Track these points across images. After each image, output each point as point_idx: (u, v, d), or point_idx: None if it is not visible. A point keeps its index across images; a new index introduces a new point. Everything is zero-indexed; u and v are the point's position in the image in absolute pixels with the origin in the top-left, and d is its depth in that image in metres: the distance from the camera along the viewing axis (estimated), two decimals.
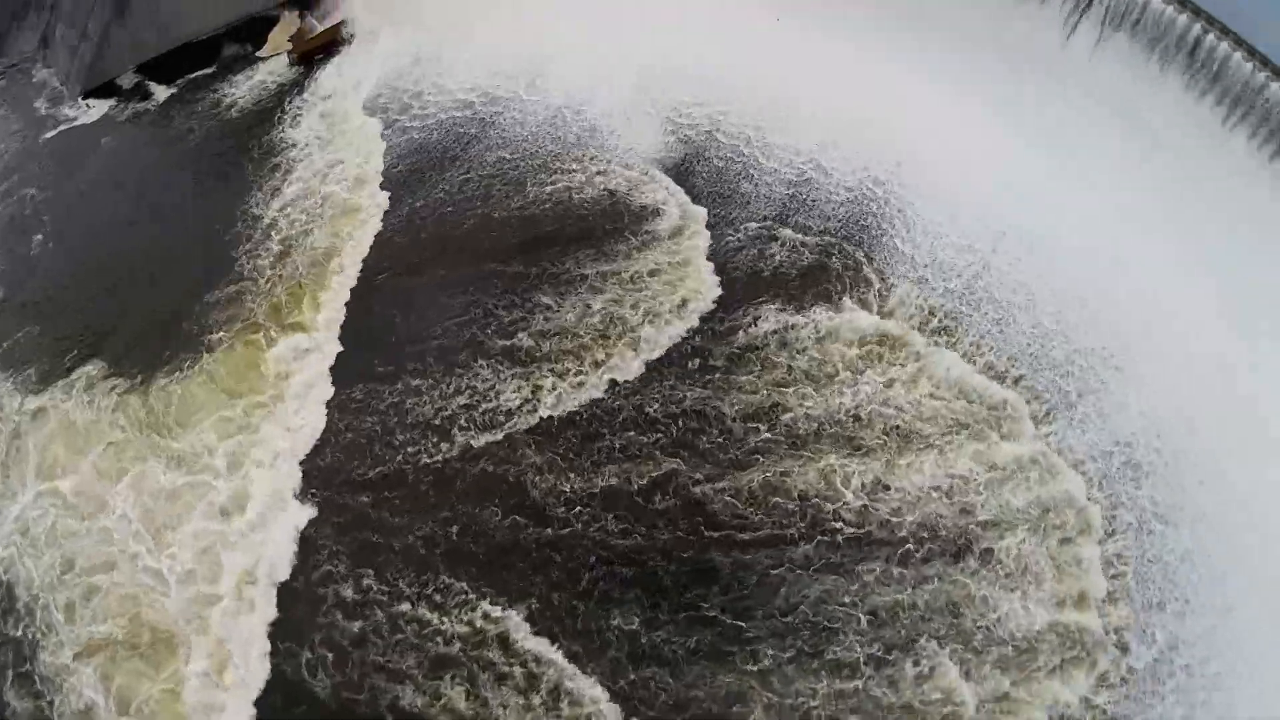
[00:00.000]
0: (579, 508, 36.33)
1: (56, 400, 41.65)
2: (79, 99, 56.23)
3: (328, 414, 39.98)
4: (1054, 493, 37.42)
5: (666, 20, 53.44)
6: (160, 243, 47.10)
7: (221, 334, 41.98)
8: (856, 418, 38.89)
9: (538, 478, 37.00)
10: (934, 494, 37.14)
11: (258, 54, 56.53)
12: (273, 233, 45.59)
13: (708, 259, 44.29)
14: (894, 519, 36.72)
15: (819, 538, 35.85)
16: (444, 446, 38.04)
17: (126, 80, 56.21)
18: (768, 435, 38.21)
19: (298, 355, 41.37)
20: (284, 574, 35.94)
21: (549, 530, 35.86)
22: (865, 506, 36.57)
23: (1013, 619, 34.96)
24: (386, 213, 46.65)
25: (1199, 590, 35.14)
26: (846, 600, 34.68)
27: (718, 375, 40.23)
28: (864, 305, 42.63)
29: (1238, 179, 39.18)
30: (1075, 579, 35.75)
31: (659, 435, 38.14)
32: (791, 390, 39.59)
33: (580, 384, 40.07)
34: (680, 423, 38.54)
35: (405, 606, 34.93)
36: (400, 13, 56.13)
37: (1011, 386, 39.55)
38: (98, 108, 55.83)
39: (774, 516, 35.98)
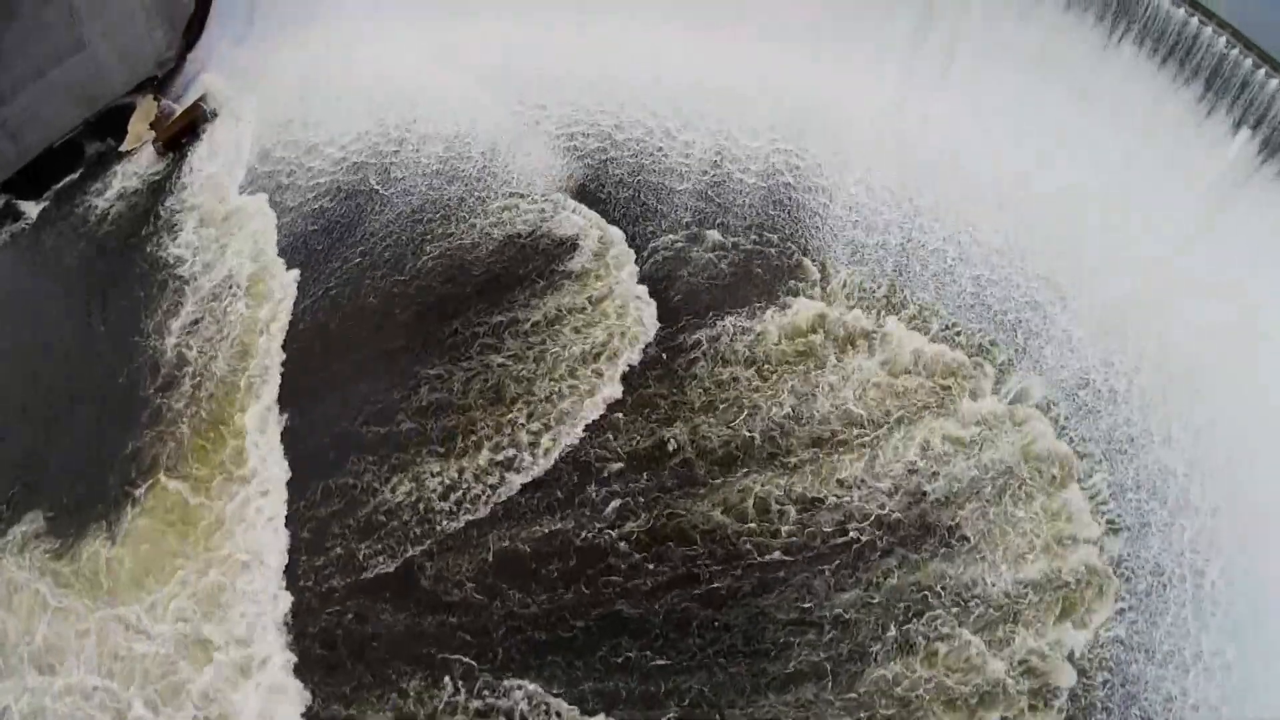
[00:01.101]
0: (473, 585, 40.57)
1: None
2: None
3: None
4: (1011, 451, 42.36)
5: (529, 34, 57.13)
6: (65, 383, 50.76)
7: (146, 485, 45.38)
8: (773, 435, 43.29)
9: (427, 563, 41.33)
10: (879, 491, 41.87)
11: (121, 148, 60.32)
12: (178, 369, 49.00)
13: (639, 282, 48.35)
14: (833, 528, 41.04)
15: (734, 568, 40.14)
16: (319, 560, 42.53)
17: None
18: (648, 478, 42.77)
19: (227, 498, 44.52)
20: None
21: (450, 616, 40.17)
22: (798, 524, 41.00)
23: (994, 582, 39.71)
24: (295, 303, 50.26)
25: (1182, 500, 39.91)
26: (789, 617, 39.13)
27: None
28: (805, 296, 47.17)
29: (1128, 91, 42.93)
30: (1058, 525, 40.59)
31: (539, 494, 42.59)
32: (701, 416, 44.10)
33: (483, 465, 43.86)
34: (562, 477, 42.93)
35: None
36: (256, 77, 60.57)
37: (962, 348, 44.83)
38: None
39: (672, 559, 40.38)
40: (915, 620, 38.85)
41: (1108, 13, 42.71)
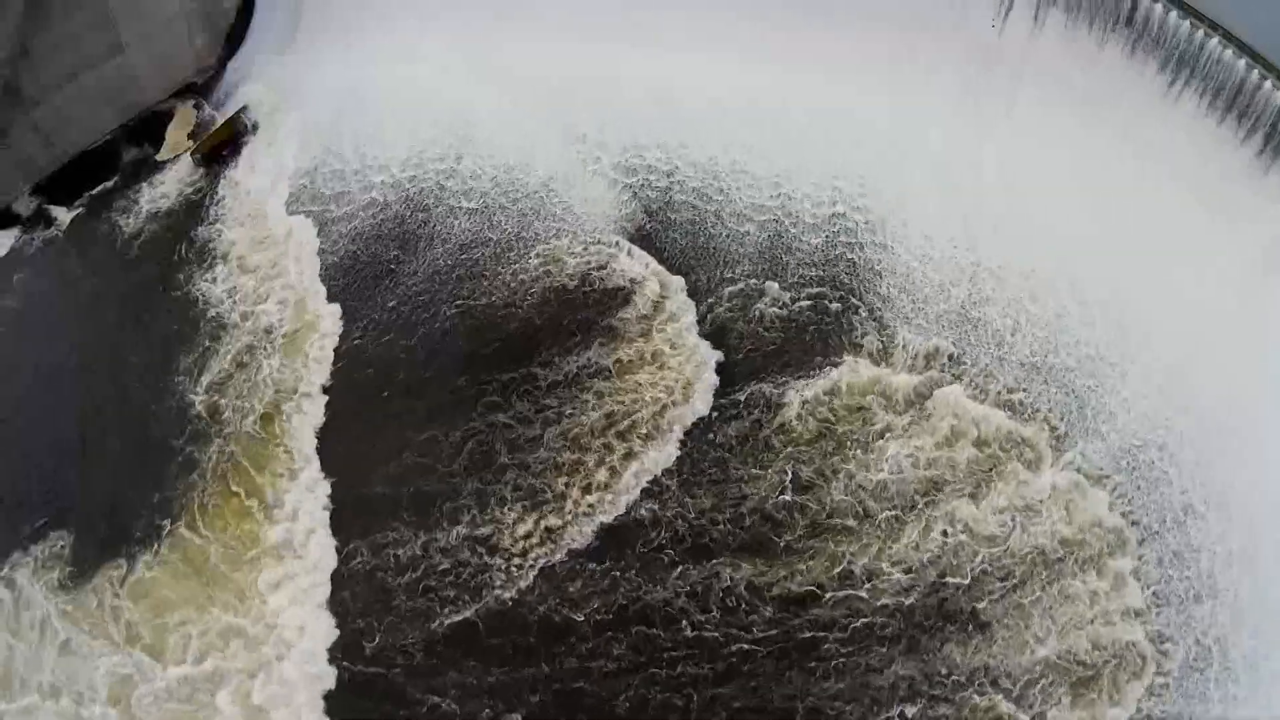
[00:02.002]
0: (423, 654, 42.90)
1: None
2: None
3: None
4: (1059, 525, 43.34)
5: (587, 60, 58.64)
6: (96, 410, 52.67)
7: (166, 536, 47.25)
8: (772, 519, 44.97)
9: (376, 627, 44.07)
10: (892, 581, 43.02)
11: (158, 157, 63.84)
12: (210, 422, 50.40)
13: (701, 336, 49.98)
14: (827, 620, 42.41)
15: (696, 656, 41.98)
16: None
17: (24, 205, 62.91)
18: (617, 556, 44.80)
19: (251, 562, 46.26)
20: None
21: (398, 679, 42.54)
22: (782, 615, 42.58)
23: (1019, 661, 40.96)
24: (334, 356, 51.88)
25: (1227, 576, 41.57)
26: (746, 704, 40.95)
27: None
28: (867, 358, 48.31)
29: (1186, 144, 44.55)
30: (1102, 601, 41.83)
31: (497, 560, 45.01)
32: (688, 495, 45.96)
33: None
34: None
35: None
36: (300, 91, 63.55)
37: (1018, 416, 45.99)
38: (2, 240, 62.21)
39: (632, 640, 42.25)
40: (912, 705, 40.74)
41: (1169, 62, 44.40)
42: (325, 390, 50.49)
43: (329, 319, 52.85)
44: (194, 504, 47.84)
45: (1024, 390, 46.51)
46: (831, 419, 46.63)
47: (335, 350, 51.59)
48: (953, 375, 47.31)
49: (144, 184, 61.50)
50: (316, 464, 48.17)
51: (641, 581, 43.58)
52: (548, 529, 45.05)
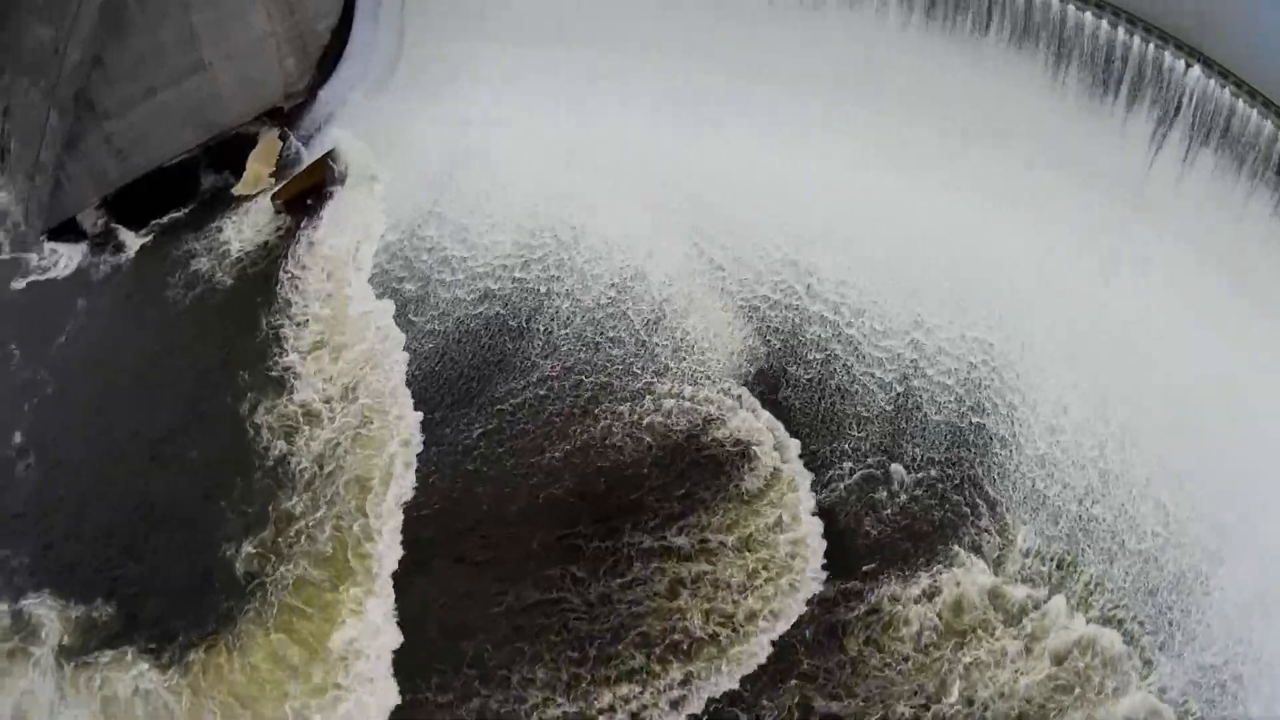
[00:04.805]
0: None
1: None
2: (42, 241, 58.72)
3: None
4: None
5: (713, 157, 55.02)
6: (150, 497, 50.17)
7: (198, 660, 45.05)
8: None
9: None
10: None
11: (236, 191, 59.35)
12: (287, 520, 47.64)
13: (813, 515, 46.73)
14: None
15: None
16: None
17: (90, 220, 59.00)
18: None
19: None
20: None
21: None
22: None
23: None
24: (419, 456, 48.75)
25: None
26: None
27: None
28: (983, 561, 45.47)
29: None
30: None
31: None
32: None
33: None
34: None
35: None
36: (397, 143, 58.91)
37: (1120, 631, 44.00)
38: (68, 255, 58.58)
39: None
40: None
41: None
42: (397, 530, 46.58)
43: (409, 432, 48.93)
44: (245, 641, 44.98)
45: (1124, 604, 44.02)
46: (940, 631, 43.73)
47: (414, 470, 47.81)
48: (1060, 585, 44.56)
49: (218, 223, 57.58)
50: (378, 618, 44.78)
51: None
52: None
